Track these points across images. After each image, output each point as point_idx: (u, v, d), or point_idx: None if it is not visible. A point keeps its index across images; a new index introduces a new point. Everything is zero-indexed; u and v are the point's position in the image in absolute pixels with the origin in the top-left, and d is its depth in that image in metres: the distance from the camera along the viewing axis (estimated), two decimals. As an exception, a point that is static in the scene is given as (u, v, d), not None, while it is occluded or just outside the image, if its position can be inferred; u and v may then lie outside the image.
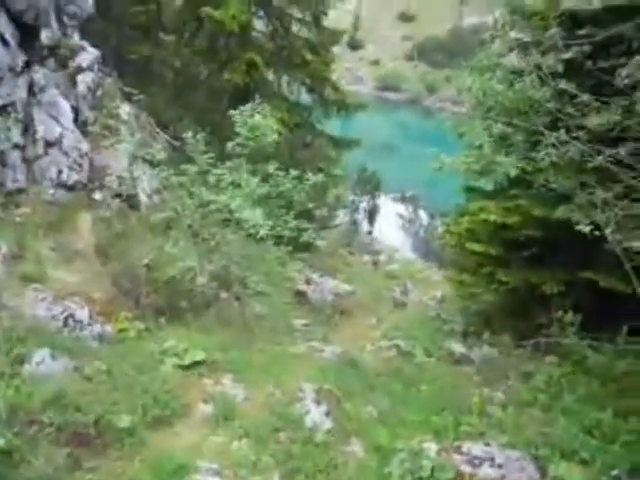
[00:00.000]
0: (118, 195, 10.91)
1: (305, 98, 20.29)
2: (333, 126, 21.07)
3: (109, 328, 7.42)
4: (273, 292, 10.98)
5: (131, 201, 11.08)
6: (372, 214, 26.10)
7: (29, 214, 8.86)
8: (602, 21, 6.47)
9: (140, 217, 10.63)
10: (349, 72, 66.61)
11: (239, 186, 8.07)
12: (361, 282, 16.22)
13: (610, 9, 5.71)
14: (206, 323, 8.23)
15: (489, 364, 8.42)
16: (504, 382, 7.92)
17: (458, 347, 9.16)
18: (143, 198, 11.51)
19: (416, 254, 25.04)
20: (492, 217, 8.90)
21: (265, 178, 8.72)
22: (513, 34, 7.78)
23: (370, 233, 26.94)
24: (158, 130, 14.54)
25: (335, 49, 22.56)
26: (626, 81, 4.89)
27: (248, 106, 8.64)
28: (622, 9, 5.83)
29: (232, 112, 8.73)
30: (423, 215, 28.94)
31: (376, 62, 76.03)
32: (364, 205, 25.10)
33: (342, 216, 23.15)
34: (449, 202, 35.15)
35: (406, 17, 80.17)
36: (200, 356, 6.79)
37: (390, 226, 27.59)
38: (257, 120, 8.39)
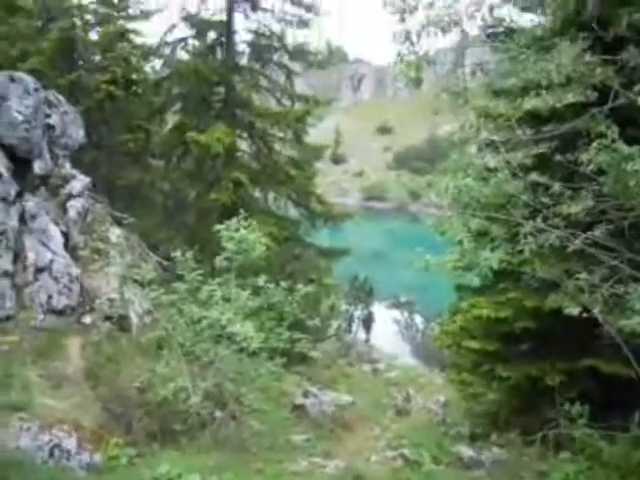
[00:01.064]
0: (108, 318, 10.87)
1: (293, 212, 20.91)
2: (322, 237, 21.55)
3: (98, 457, 7.11)
4: (270, 408, 10.68)
5: (122, 323, 11.02)
6: (367, 322, 25.98)
7: (17, 341, 8.78)
8: (563, 117, 6.91)
9: (131, 339, 10.53)
10: (335, 185, 69.08)
11: (229, 300, 8.12)
12: (361, 392, 15.83)
13: (568, 106, 6.13)
14: (201, 444, 7.93)
15: (500, 466, 8.09)
16: (519, 485, 7.58)
17: (466, 451, 8.81)
18: (134, 319, 11.46)
19: (416, 359, 24.65)
20: (484, 312, 8.93)
21: (256, 291, 8.80)
22: (483, 135, 8.24)
23: (367, 341, 26.67)
24: (148, 252, 14.78)
25: (319, 164, 23.62)
26: (591, 167, 5.16)
27: (234, 221, 8.89)
28: (575, 105, 6.26)
29: (218, 227, 8.96)
30: (418, 319, 28.81)
31: (360, 174, 79.15)
32: (358, 313, 25.05)
33: (336, 326, 22.98)
34: (442, 304, 35.14)
35: (384, 130, 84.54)
36: (195, 480, 6.50)
37: (386, 333, 27.39)
38: (243, 234, 8.60)
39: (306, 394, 11.59)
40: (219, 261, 8.56)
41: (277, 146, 20.11)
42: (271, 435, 9.34)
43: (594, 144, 5.14)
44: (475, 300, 9.39)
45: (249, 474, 7.24)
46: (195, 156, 18.63)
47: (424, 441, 10.11)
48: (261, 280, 8.63)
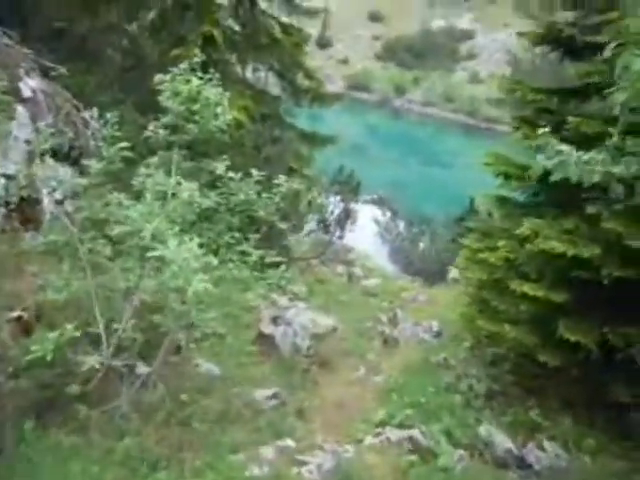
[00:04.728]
0: (7, 204, 7.40)
1: (274, 89, 16.96)
2: (299, 124, 17.89)
3: None
4: (229, 334, 7.68)
5: (27, 213, 7.56)
6: (345, 219, 22.78)
7: None
8: None
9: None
10: (317, 70, 63.28)
11: (164, 197, 4.71)
12: (339, 307, 13.01)
13: None
14: (113, 421, 4.85)
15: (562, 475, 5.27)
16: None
17: (501, 440, 5.96)
18: (49, 208, 7.98)
19: (396, 266, 21.97)
20: (555, 246, 5.75)
21: (213, 182, 5.38)
22: None
23: (341, 238, 23.67)
24: (85, 116, 10.96)
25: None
26: None
27: (183, 66, 5.28)
28: None
29: (159, 77, 5.37)
30: (399, 221, 25.80)
31: (345, 61, 72.97)
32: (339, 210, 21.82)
33: (314, 224, 19.86)
34: (420, 206, 32.05)
35: (376, 17, 77.30)
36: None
37: (366, 233, 24.40)
38: (196, 87, 5.03)
39: (275, 320, 8.55)
40: (153, 129, 5.05)
41: (262, 3, 15.82)
42: (224, 389, 6.32)
43: None
44: (535, 224, 6.15)
45: None
46: (160, 5, 14.40)
47: (427, 402, 7.32)
48: (221, 166, 5.17)
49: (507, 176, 7.29)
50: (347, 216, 23.21)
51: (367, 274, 19.20)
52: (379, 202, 28.91)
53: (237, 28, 15.27)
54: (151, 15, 15.12)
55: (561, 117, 6.70)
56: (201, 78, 5.28)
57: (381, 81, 68.27)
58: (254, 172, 5.27)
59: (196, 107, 5.03)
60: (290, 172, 14.33)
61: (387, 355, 9.86)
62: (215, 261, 4.36)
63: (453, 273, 19.30)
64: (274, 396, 6.56)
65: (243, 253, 5.14)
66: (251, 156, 12.39)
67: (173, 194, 4.91)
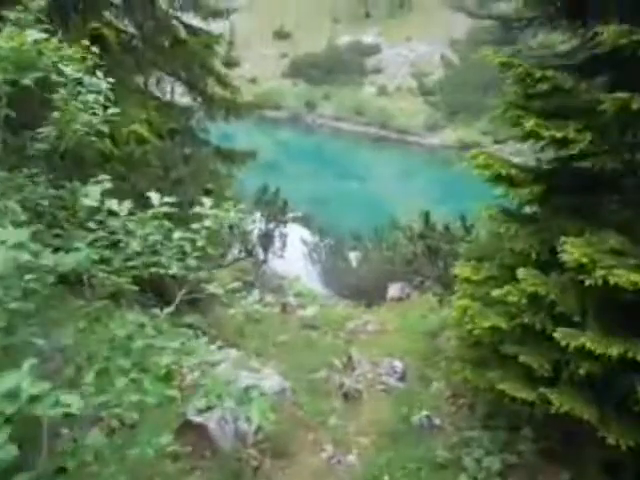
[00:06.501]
0: None
1: (182, 102, 14.45)
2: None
3: None
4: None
5: None
6: (273, 242, 20.47)
7: None
8: None
9: None
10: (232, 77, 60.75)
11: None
12: (279, 352, 10.71)
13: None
14: None
15: None
16: None
17: None
18: None
19: (329, 288, 19.90)
20: (622, 276, 3.77)
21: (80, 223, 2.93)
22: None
23: (265, 262, 21.27)
24: None
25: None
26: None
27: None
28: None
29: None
30: (329, 240, 23.78)
31: (253, 80, 70.98)
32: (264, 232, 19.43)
33: (238, 250, 17.42)
34: (343, 221, 30.21)
35: (281, 35, 76.08)
36: None
37: (293, 254, 22.16)
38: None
39: (202, 412, 6.05)
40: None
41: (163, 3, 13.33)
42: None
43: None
44: (580, 247, 4.16)
45: None
46: None
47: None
48: (94, 191, 2.74)
49: (505, 180, 5.35)
50: (277, 238, 20.92)
51: (302, 302, 16.98)
52: (304, 220, 26.83)
53: (133, 30, 12.76)
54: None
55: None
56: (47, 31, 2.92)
57: (291, 98, 66.95)
58: (153, 196, 2.86)
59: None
60: (207, 195, 11.88)
61: (352, 417, 7.64)
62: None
63: (392, 291, 17.58)
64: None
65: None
66: (158, 178, 9.87)
67: None
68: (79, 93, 3.52)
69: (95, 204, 2.59)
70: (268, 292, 18.04)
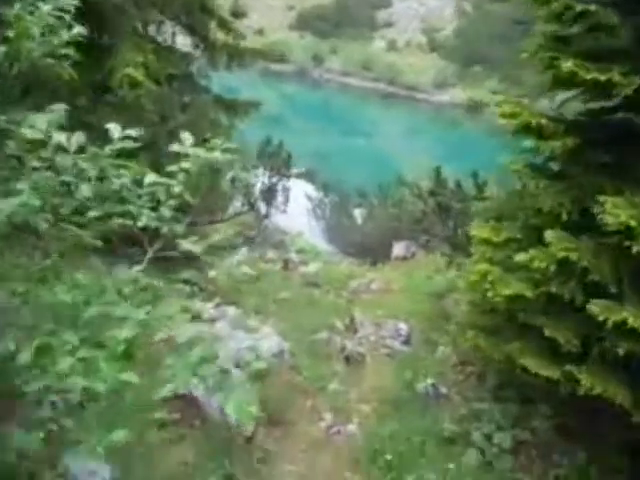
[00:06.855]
0: None
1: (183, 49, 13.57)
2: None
3: None
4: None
5: None
6: (276, 196, 19.77)
7: None
8: None
9: None
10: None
11: None
12: (279, 309, 10.25)
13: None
14: None
15: None
16: None
17: None
18: None
19: (333, 245, 19.38)
20: None
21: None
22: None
23: (266, 217, 20.65)
24: None
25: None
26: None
27: None
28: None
29: None
30: (331, 196, 23.11)
31: (260, 32, 68.79)
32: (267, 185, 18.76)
33: (240, 203, 16.81)
34: (348, 178, 29.38)
35: (289, -16, 73.24)
36: None
37: (296, 209, 21.53)
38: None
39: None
40: None
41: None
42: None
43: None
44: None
45: None
46: None
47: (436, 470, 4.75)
48: (41, 121, 2.16)
49: (534, 131, 4.72)
50: (280, 193, 20.24)
51: (305, 259, 16.47)
52: (308, 176, 26.09)
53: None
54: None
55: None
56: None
57: (298, 51, 64.92)
58: (113, 128, 2.26)
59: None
60: (203, 143, 11.20)
61: (354, 382, 7.21)
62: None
63: (397, 250, 17.04)
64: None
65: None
66: (153, 125, 9.21)
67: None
68: (37, 9, 2.90)
69: (40, 136, 2.02)
70: (270, 248, 17.52)
